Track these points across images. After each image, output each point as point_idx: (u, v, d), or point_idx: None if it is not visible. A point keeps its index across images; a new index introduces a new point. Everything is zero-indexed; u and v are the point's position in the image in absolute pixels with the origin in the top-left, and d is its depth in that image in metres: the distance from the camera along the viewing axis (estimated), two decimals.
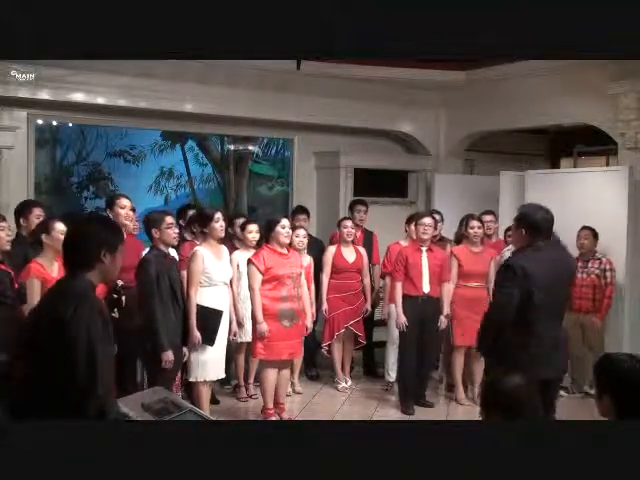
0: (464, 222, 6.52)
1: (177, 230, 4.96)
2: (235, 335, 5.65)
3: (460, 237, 6.57)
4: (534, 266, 3.79)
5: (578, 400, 6.21)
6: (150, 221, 4.82)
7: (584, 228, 6.28)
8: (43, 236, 4.42)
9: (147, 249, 5.35)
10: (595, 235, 6.31)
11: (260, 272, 5.28)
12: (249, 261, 5.40)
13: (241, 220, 6.32)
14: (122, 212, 5.10)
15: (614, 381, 2.35)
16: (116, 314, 4.79)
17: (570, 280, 4.24)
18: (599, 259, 6.31)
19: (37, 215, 5.05)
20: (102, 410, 2.37)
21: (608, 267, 6.29)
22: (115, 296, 4.80)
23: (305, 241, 6.12)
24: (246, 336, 5.84)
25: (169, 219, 4.80)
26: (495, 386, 2.46)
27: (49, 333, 2.42)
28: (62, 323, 2.39)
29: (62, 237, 4.32)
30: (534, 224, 3.90)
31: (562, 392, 5.63)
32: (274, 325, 5.27)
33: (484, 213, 6.63)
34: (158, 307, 4.58)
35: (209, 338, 4.97)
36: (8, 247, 4.40)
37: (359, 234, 6.92)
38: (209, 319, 4.98)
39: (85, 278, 2.54)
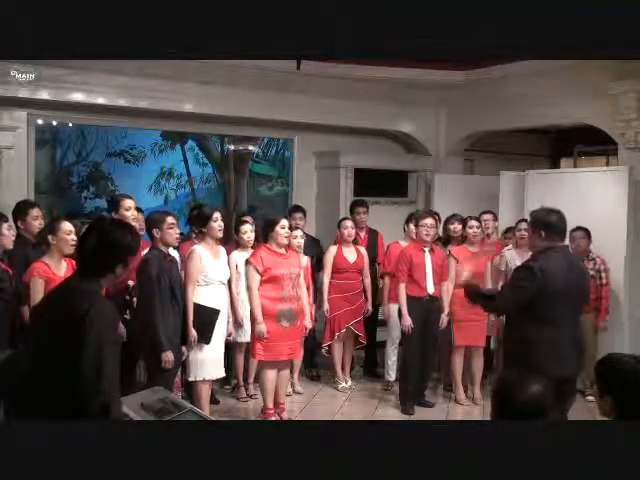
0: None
1: (178, 231, 4.96)
2: (230, 335, 5.65)
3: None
4: (554, 268, 3.85)
5: (578, 400, 6.21)
6: (151, 221, 4.81)
7: (578, 229, 6.23)
8: (49, 237, 4.44)
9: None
10: (589, 235, 6.29)
11: (258, 273, 5.27)
12: (247, 262, 5.39)
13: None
14: (128, 214, 5.09)
15: (616, 381, 2.35)
16: (128, 315, 4.79)
17: (585, 282, 4.26)
18: (593, 259, 6.30)
19: (34, 216, 5.03)
20: (108, 410, 2.38)
21: (603, 267, 6.28)
22: (127, 297, 4.80)
23: (302, 241, 6.11)
24: (245, 336, 5.84)
25: (170, 219, 4.79)
26: (515, 392, 2.37)
27: (59, 332, 2.42)
28: (74, 323, 2.39)
29: (68, 237, 4.38)
30: (551, 226, 3.95)
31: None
32: (273, 325, 5.26)
33: (483, 213, 6.64)
34: (158, 307, 4.58)
35: (205, 336, 4.97)
36: (11, 246, 4.43)
37: (363, 234, 6.92)
38: (205, 317, 4.98)
39: (96, 279, 2.55)
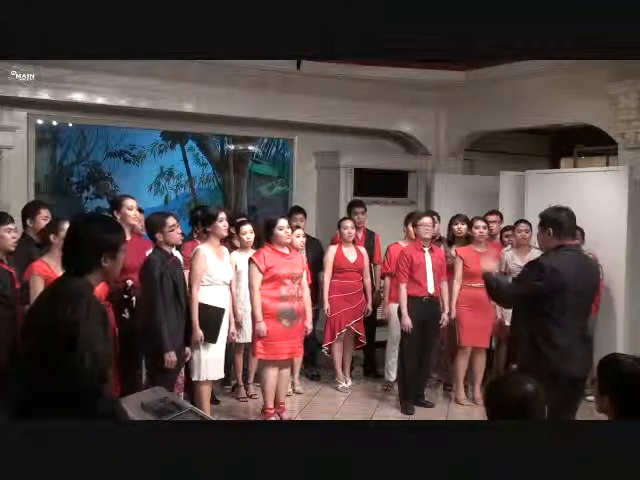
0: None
1: (180, 231, 4.95)
2: (233, 335, 5.65)
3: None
4: (564, 266, 3.84)
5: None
6: (152, 225, 4.77)
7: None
8: (51, 236, 4.44)
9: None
10: (582, 234, 6.29)
11: (260, 271, 5.27)
12: (250, 260, 5.40)
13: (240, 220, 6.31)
14: (130, 213, 5.08)
15: (616, 381, 2.35)
16: (127, 315, 4.78)
17: (596, 282, 4.28)
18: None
19: (44, 216, 5.07)
20: (102, 409, 2.37)
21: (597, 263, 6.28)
22: (126, 297, 4.79)
23: (304, 240, 6.12)
24: (245, 337, 5.84)
25: (171, 221, 4.75)
26: (501, 390, 2.39)
27: (47, 332, 2.42)
28: (60, 322, 2.38)
29: None
30: (559, 224, 3.95)
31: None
32: (273, 325, 5.27)
33: (489, 213, 6.63)
34: (161, 308, 4.56)
35: (211, 336, 4.97)
36: (13, 248, 4.40)
37: (360, 235, 6.92)
38: (211, 317, 4.98)
39: (85, 277, 2.53)
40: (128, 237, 5.05)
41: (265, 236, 5.48)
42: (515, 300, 4.11)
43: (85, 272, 2.53)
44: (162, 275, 4.58)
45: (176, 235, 4.76)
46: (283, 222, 5.38)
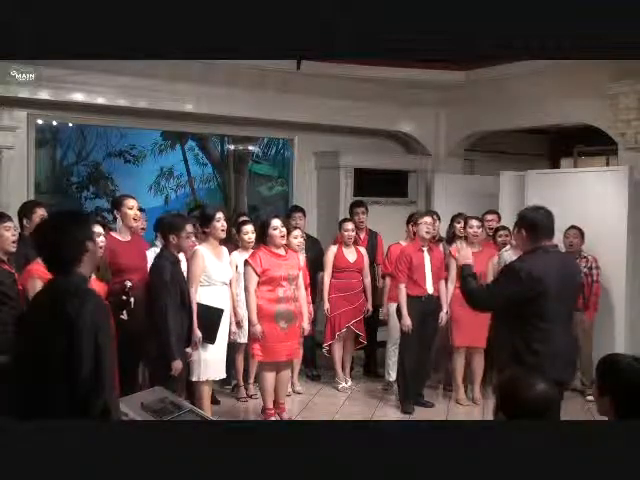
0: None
1: (193, 238, 4.92)
2: (234, 335, 5.65)
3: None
4: (542, 269, 3.66)
5: (578, 400, 6.21)
6: (169, 226, 4.72)
7: (572, 227, 6.27)
8: None
9: (153, 249, 5.33)
10: (582, 234, 6.30)
11: (256, 274, 5.24)
12: (246, 262, 5.36)
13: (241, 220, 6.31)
14: (130, 213, 5.08)
15: (615, 382, 2.35)
16: (125, 316, 4.77)
17: (577, 283, 4.12)
18: (585, 257, 6.31)
19: (40, 216, 5.03)
20: (107, 408, 2.38)
21: (594, 265, 6.30)
22: (124, 298, 4.78)
23: (303, 241, 6.10)
24: (245, 337, 5.84)
25: (189, 228, 4.73)
26: (520, 392, 2.33)
27: (56, 331, 2.41)
28: (70, 321, 2.38)
29: None
30: (533, 224, 3.79)
31: None
32: (270, 326, 5.24)
33: (487, 213, 6.62)
34: (171, 316, 4.51)
35: (210, 336, 4.96)
36: (13, 248, 4.36)
37: (363, 235, 6.93)
38: (210, 317, 4.96)
39: (78, 273, 2.53)
40: (128, 237, 5.10)
41: (260, 237, 5.46)
42: (489, 308, 3.94)
43: (76, 263, 2.53)
44: (172, 279, 4.55)
45: (190, 242, 4.75)
46: (276, 222, 5.32)
